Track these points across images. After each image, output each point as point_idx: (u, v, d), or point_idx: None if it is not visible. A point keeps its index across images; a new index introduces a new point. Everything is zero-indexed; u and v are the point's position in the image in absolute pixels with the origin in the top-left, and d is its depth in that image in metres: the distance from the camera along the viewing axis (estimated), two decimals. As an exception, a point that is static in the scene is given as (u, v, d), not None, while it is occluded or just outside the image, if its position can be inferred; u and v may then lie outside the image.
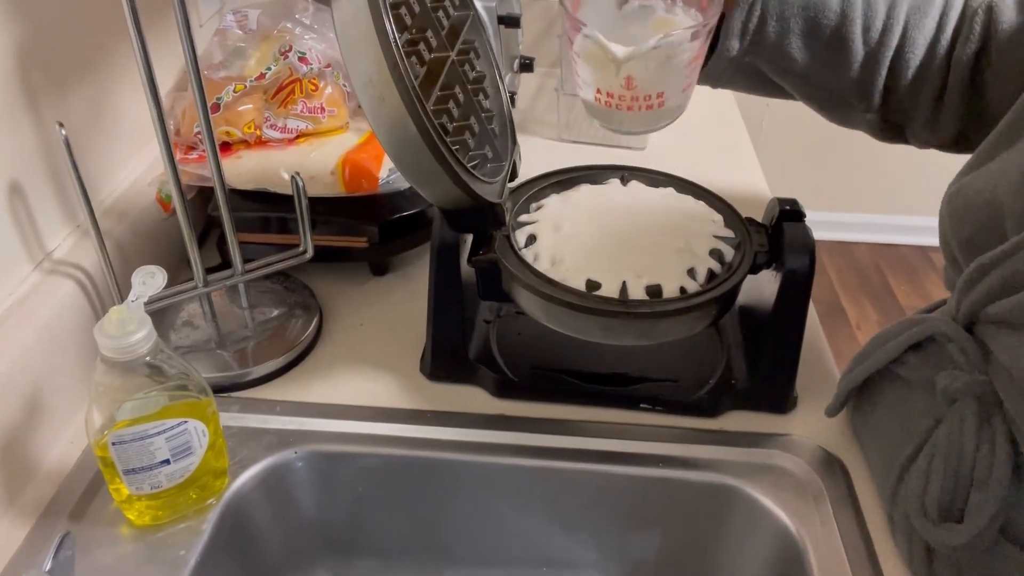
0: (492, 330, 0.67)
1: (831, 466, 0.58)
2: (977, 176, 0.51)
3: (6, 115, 0.56)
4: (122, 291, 0.60)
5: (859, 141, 0.75)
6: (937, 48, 0.60)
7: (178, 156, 0.74)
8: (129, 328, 0.45)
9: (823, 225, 2.19)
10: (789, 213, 0.59)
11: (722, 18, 0.60)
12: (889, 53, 0.61)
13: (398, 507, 0.61)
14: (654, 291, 0.56)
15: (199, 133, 0.71)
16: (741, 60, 0.63)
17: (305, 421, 0.60)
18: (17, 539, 0.52)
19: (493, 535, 0.63)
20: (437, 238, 0.58)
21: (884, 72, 0.61)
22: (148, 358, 0.46)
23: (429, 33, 0.55)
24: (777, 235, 0.59)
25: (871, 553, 0.52)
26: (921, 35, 0.60)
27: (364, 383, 0.64)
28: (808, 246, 0.57)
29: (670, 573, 0.62)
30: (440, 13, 0.57)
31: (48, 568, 0.45)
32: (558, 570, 0.64)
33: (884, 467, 0.53)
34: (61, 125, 0.52)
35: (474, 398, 0.63)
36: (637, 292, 0.55)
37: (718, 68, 0.64)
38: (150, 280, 0.46)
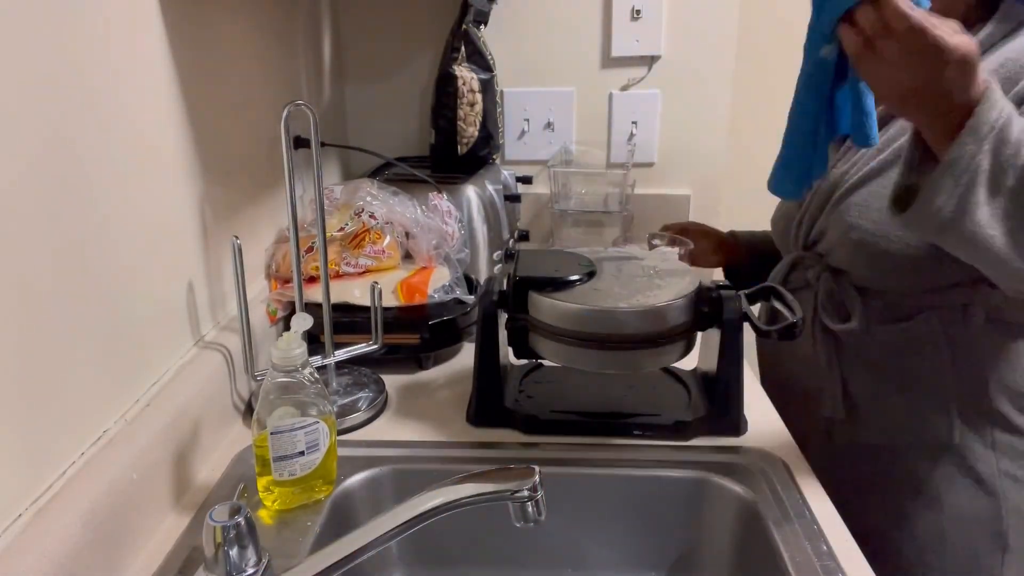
0: (519, 386, 0.90)
1: (775, 462, 0.79)
2: None
3: (195, 233, 0.83)
4: (255, 363, 0.83)
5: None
6: None
7: (277, 287, 1.01)
8: (293, 344, 0.68)
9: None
10: (725, 286, 0.85)
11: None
12: None
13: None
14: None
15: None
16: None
17: (385, 450, 0.81)
18: (181, 525, 0.70)
19: (529, 539, 0.80)
20: (481, 310, 0.83)
21: None
22: (300, 367, 0.69)
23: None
24: (717, 302, 0.84)
25: (811, 515, 0.72)
26: None
27: (424, 433, 0.86)
28: (739, 309, 0.83)
29: (663, 552, 0.80)
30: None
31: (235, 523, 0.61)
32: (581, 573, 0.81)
33: None
34: (237, 237, 0.78)
35: (509, 436, 0.84)
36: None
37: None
38: (303, 322, 0.71)
